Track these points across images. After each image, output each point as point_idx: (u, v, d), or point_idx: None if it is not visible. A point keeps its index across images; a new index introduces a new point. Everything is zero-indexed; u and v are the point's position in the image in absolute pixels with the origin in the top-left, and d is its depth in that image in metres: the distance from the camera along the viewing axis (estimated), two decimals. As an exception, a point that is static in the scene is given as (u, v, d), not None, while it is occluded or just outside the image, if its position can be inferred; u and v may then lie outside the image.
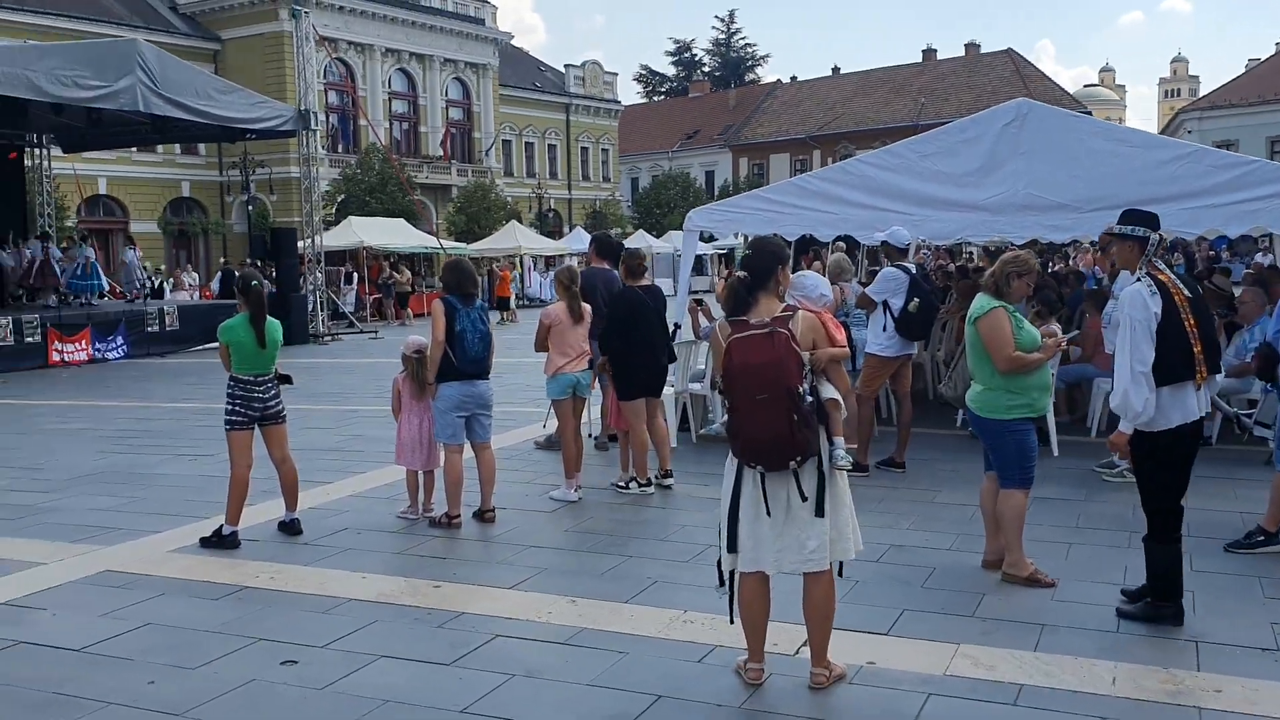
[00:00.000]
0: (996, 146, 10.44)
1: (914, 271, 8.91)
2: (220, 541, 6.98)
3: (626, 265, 8.56)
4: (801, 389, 4.32)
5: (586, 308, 8.28)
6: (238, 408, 7.04)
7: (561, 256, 42.42)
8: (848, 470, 4.54)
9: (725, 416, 5.19)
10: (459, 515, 7.39)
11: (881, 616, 5.38)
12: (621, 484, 8.37)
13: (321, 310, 25.98)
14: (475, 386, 7.36)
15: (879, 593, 5.77)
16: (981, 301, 5.95)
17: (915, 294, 8.69)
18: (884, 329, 8.80)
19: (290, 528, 7.30)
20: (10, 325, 20.37)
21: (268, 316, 7.14)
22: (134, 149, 43.11)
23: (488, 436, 7.52)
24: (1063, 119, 10.81)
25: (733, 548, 4.51)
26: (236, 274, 30.06)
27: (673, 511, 7.77)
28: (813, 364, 4.46)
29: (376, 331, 27.27)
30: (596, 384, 8.79)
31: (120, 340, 22.31)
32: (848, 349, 4.81)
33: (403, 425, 7.74)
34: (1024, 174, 10.24)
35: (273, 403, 7.15)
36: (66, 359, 21.08)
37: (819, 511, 4.42)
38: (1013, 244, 10.96)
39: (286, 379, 7.33)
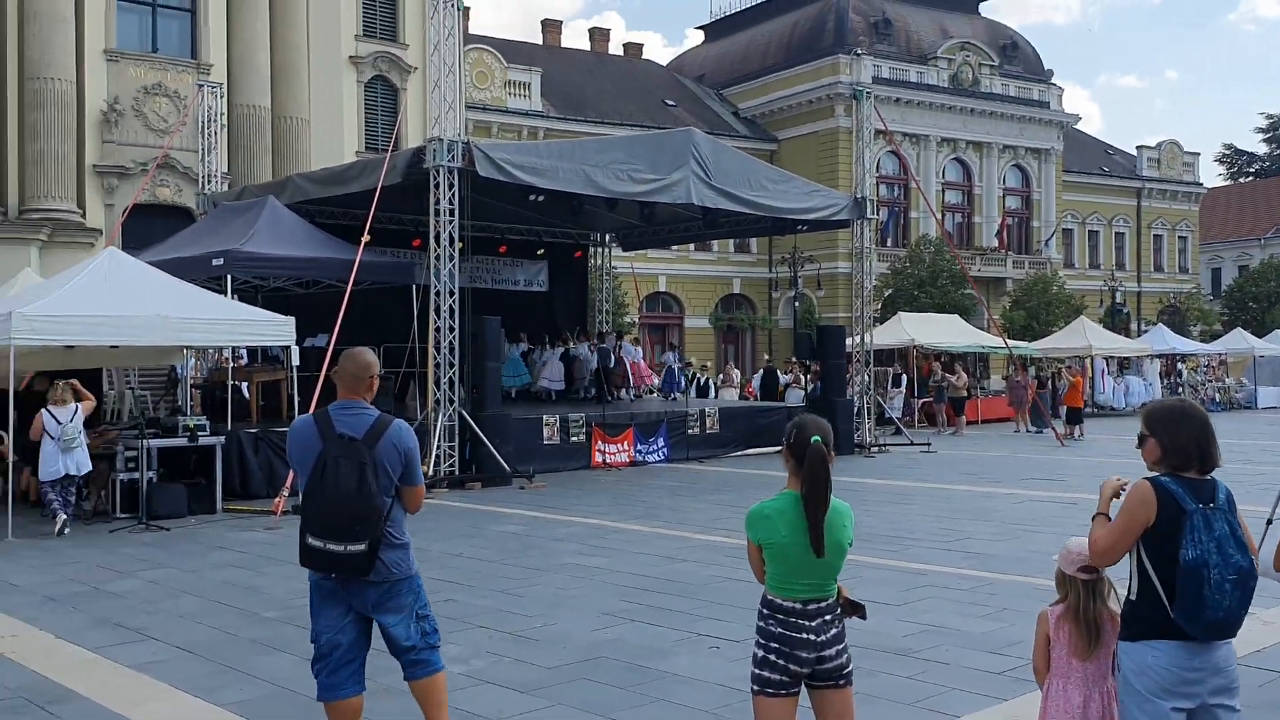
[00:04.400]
0: None
1: None
2: None
3: None
4: None
5: None
6: (772, 658, 4.10)
7: (1147, 358, 36.68)
8: None
9: None
10: None
11: None
12: None
13: (868, 416, 23.28)
14: (1211, 654, 3.84)
15: None
16: None
17: None
18: None
19: None
20: (557, 424, 19.73)
21: (832, 498, 4.19)
22: (691, 247, 43.83)
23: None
24: None
25: None
26: (780, 376, 27.86)
27: None
28: None
29: (929, 443, 23.93)
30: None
31: (661, 442, 21.07)
32: None
33: (1051, 697, 4.34)
34: None
35: (831, 651, 4.13)
36: (608, 460, 20.17)
37: None
38: None
39: (857, 609, 4.28)
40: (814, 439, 4.17)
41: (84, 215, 26.99)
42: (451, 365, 17.54)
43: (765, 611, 4.22)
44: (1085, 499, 15.06)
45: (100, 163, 27.45)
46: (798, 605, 4.16)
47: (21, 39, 26.54)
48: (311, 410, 15.14)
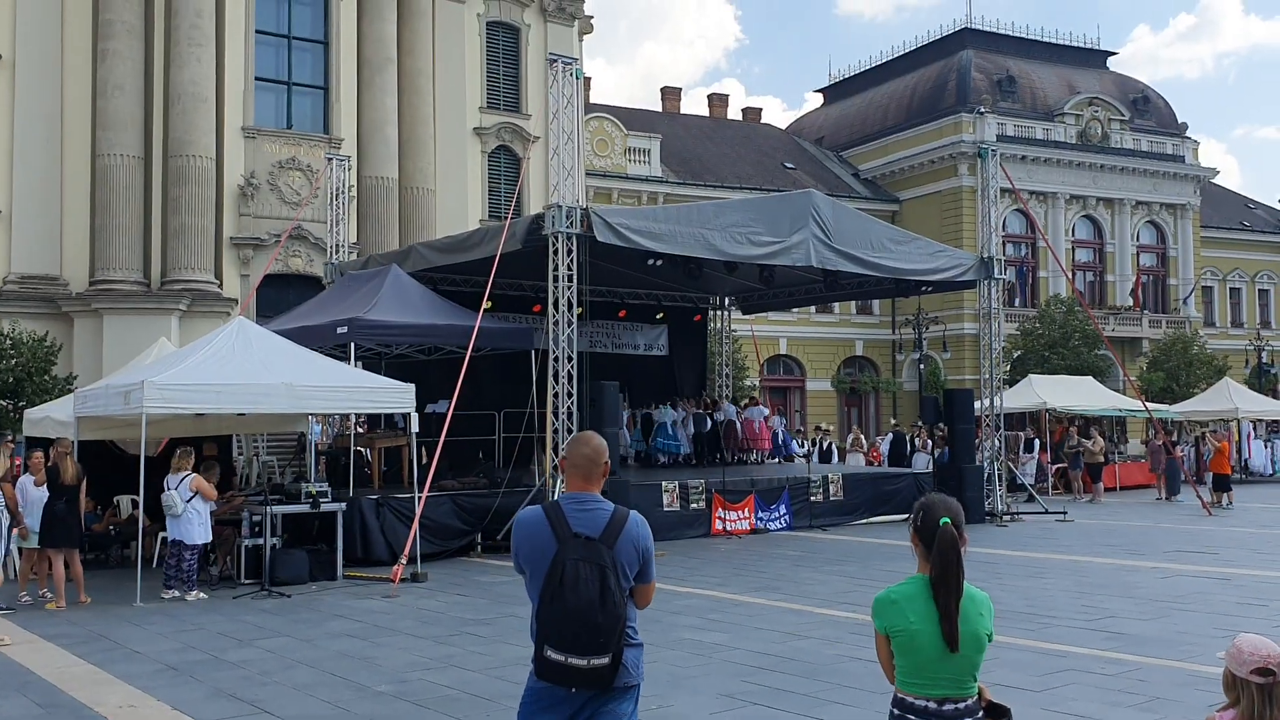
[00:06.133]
0: None
1: None
2: None
3: None
4: None
5: None
6: (905, 765, 3.71)
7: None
8: None
9: None
10: None
11: None
12: None
13: (999, 483, 22.41)
14: None
15: None
16: None
17: None
18: None
19: None
20: (677, 490, 19.44)
21: (965, 586, 3.82)
22: (812, 309, 43.32)
23: None
24: None
25: None
26: (910, 439, 27.03)
27: None
28: None
29: (1065, 511, 22.88)
30: None
31: (783, 509, 20.61)
32: None
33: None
34: None
35: (970, 760, 3.71)
36: (729, 528, 19.77)
37: None
38: None
39: (1001, 714, 3.86)
40: (943, 521, 3.84)
41: (221, 285, 27.94)
42: (570, 430, 17.41)
43: (896, 712, 3.85)
44: (1238, 574, 14.10)
45: (237, 235, 28.44)
46: (931, 704, 3.78)
47: (167, 119, 27.80)
48: (431, 473, 15.49)
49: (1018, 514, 22.58)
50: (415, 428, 15.53)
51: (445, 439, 16.24)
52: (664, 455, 24.70)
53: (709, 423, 25.39)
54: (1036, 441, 29.40)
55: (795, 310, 42.36)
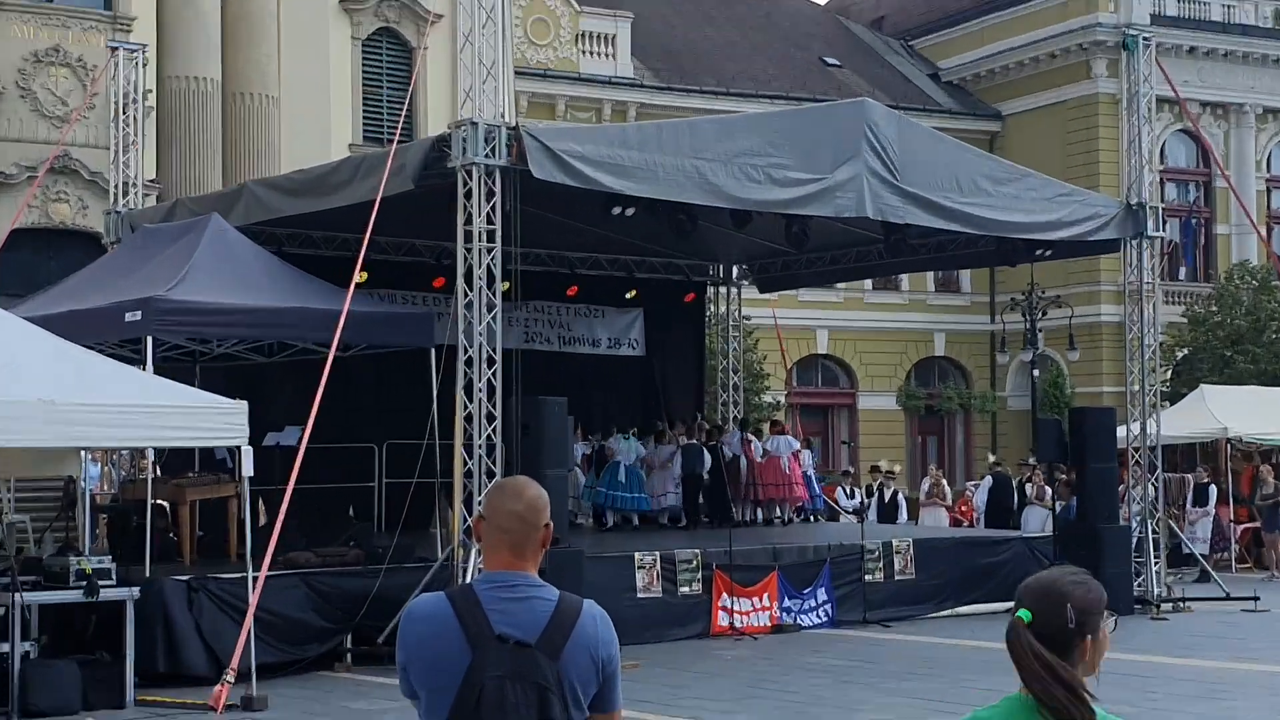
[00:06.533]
0: None
1: None
2: None
3: None
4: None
5: None
6: None
7: None
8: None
9: None
10: None
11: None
12: None
13: (1155, 553, 22.47)
14: None
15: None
16: None
17: None
18: None
19: None
20: (658, 566, 19.44)
21: (1098, 710, 3.76)
22: (867, 285, 43.42)
23: None
24: None
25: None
26: (1019, 485, 27.25)
27: None
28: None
29: (1257, 597, 22.91)
30: None
31: (823, 595, 20.81)
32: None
33: None
34: None
35: None
36: (740, 624, 19.93)
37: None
38: None
39: None
40: (1020, 613, 3.78)
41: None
42: (492, 474, 17.28)
43: None
44: None
45: (-37, 166, 28.27)
46: None
47: None
48: (274, 539, 15.19)
49: (1184, 600, 22.57)
50: (249, 469, 15.36)
51: (296, 487, 16.08)
52: (612, 515, 24.87)
53: (707, 460, 25.30)
54: (1213, 489, 29.54)
55: (841, 287, 42.32)
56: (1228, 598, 22.88)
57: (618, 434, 25.27)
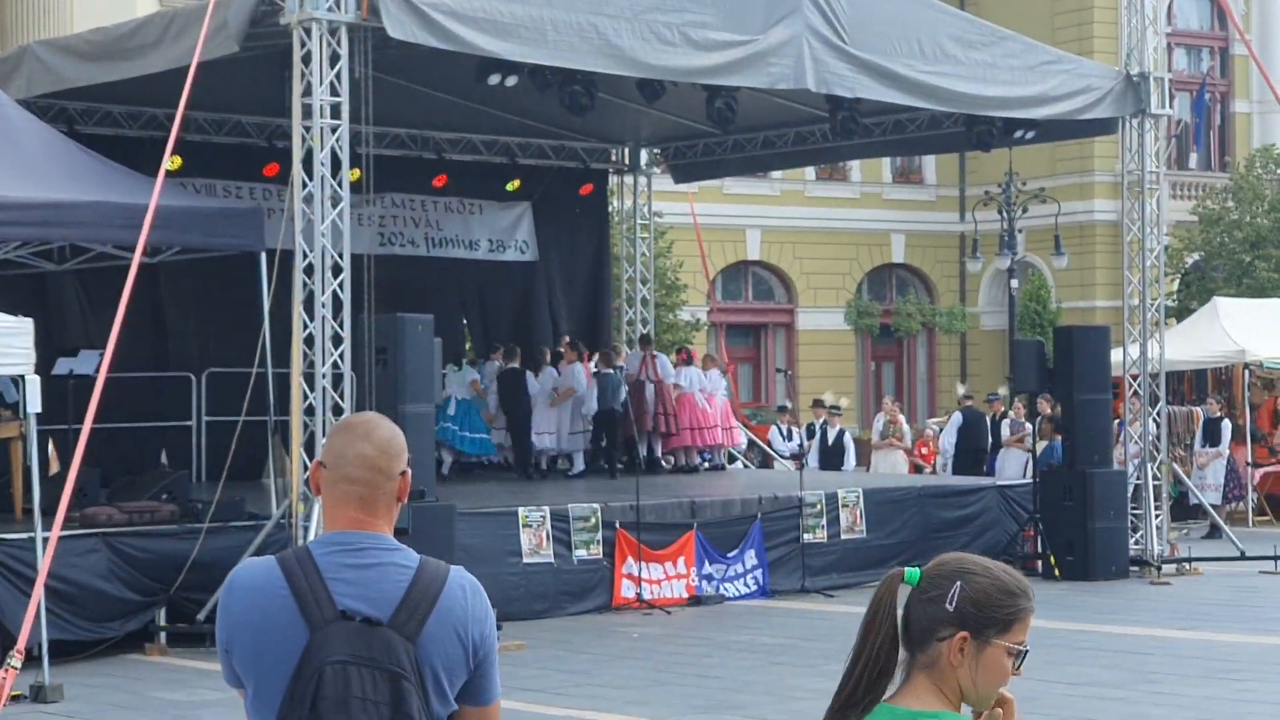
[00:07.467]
0: None
1: None
2: None
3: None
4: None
5: None
6: None
7: None
8: None
9: None
10: None
11: None
12: None
13: (1160, 501, 22.70)
14: None
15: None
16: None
17: None
18: None
19: None
20: (547, 525, 19.52)
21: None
22: (808, 174, 43.51)
23: None
24: None
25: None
26: (992, 421, 27.74)
27: None
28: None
29: (1277, 556, 23.20)
30: None
31: (752, 559, 21.01)
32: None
33: None
34: None
35: None
36: (649, 596, 20.10)
37: None
38: None
39: None
40: (910, 571, 3.69)
41: None
42: (338, 411, 17.24)
43: None
44: None
45: None
46: None
47: None
48: (68, 490, 15.12)
49: (1191, 561, 22.90)
50: (36, 405, 15.32)
51: (95, 426, 15.97)
52: (448, 455, 24.94)
53: (622, 393, 25.19)
54: (1227, 425, 29.93)
55: (777, 177, 42.43)
56: (1243, 557, 23.26)
57: (451, 365, 25.08)
